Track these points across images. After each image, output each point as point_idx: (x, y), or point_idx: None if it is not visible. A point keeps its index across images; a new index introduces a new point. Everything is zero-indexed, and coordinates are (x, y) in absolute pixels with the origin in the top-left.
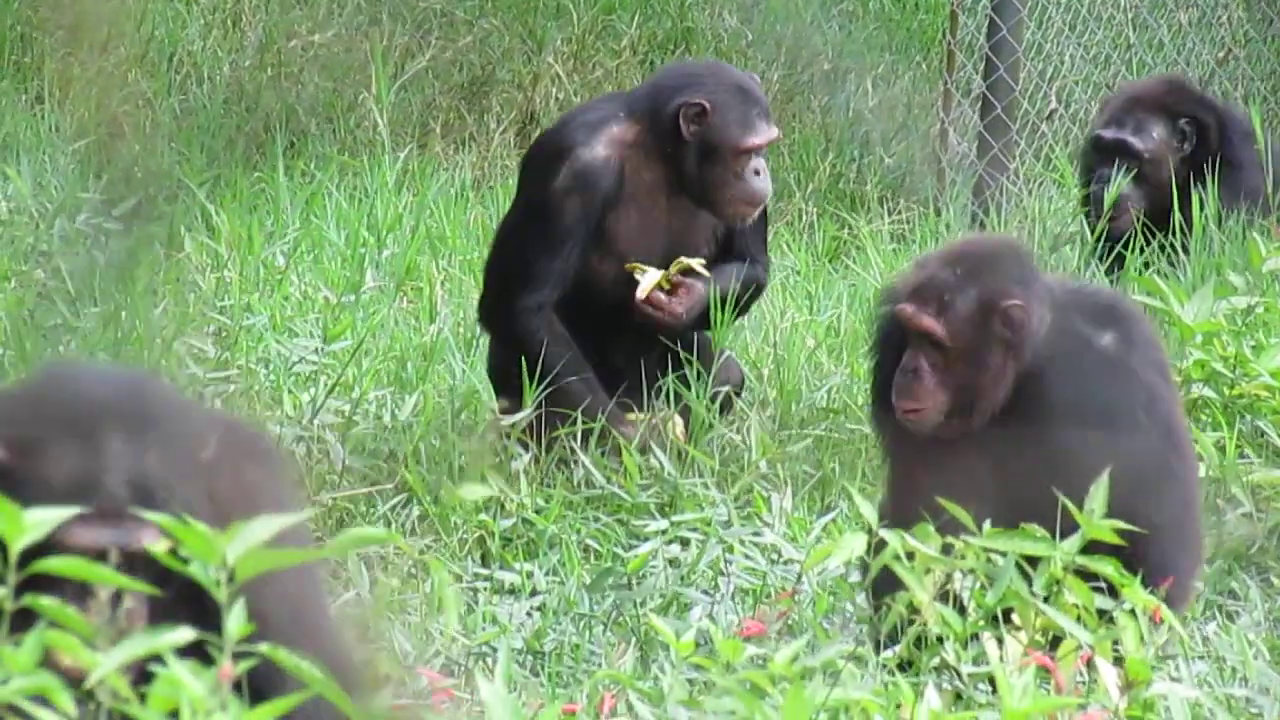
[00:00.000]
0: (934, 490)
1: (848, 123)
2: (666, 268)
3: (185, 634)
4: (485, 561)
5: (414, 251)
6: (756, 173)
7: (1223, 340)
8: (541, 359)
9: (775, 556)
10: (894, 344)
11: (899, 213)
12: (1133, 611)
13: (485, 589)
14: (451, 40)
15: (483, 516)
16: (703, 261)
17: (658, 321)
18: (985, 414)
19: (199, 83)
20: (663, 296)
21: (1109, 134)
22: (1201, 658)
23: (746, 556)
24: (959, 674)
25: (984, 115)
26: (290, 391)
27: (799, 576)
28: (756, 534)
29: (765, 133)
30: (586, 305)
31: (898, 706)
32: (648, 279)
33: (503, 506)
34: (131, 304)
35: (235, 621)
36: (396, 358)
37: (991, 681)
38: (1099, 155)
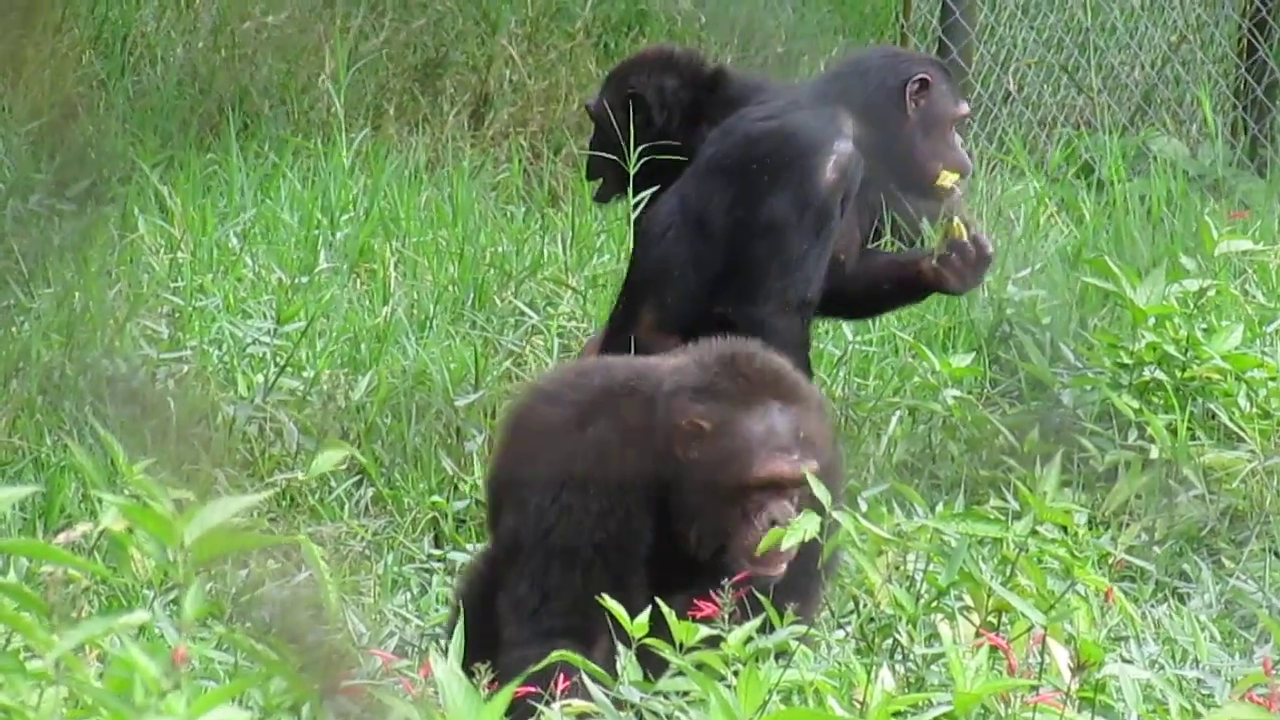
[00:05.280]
0: None
1: None
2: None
3: (140, 616)
4: (439, 543)
5: (368, 233)
6: (962, 143)
7: (1174, 323)
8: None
9: None
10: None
11: None
12: (1084, 593)
13: (439, 570)
14: (405, 22)
15: (436, 498)
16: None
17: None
18: None
19: (153, 64)
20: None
21: None
22: (1153, 639)
23: None
24: (912, 655)
25: None
26: (244, 373)
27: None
28: None
29: (964, 103)
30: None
31: (851, 687)
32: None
33: (456, 487)
34: (85, 285)
35: (194, 602)
36: (350, 339)
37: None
38: None
